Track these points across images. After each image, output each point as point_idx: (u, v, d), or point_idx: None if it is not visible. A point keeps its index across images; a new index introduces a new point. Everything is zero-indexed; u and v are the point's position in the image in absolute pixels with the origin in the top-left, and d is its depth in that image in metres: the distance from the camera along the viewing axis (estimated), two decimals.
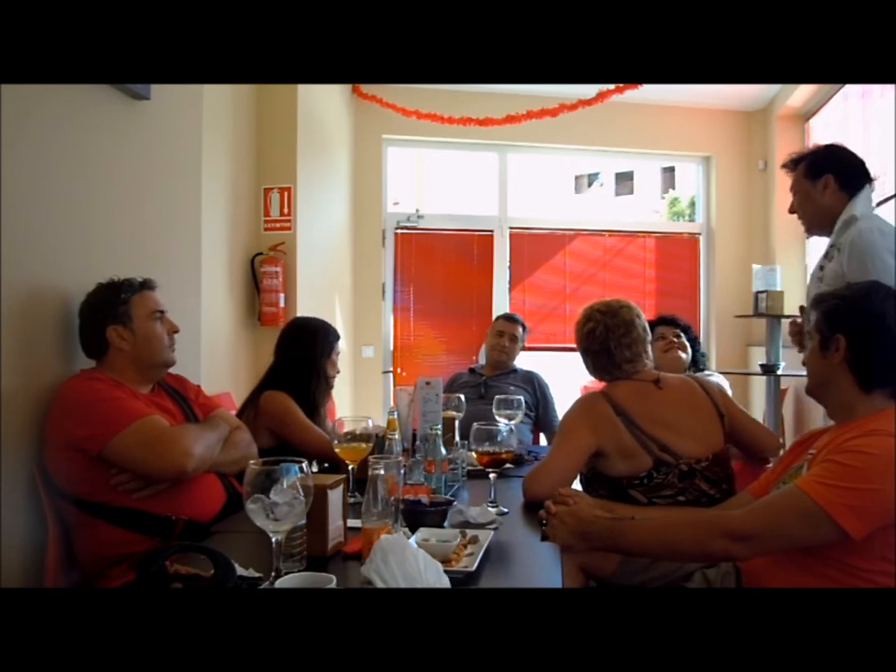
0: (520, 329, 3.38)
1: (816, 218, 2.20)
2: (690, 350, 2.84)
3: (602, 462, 1.86)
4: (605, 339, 1.95)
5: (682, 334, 2.86)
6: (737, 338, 5.17)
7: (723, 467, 1.89)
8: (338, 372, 2.56)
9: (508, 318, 3.49)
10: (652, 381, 1.94)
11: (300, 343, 2.47)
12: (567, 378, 4.41)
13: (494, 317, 3.81)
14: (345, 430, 1.82)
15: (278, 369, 2.47)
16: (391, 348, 5.30)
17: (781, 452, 2.04)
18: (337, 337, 2.57)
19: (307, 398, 2.39)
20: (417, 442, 2.00)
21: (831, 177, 2.13)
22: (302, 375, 2.42)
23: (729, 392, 2.63)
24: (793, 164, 2.24)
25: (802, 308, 2.16)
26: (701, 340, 3.22)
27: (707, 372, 2.87)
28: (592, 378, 2.11)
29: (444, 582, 1.17)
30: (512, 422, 2.15)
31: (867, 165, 2.17)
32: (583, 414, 1.90)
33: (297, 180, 3.88)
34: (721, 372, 3.06)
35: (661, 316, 2.97)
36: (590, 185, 21.31)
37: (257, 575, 1.25)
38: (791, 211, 2.28)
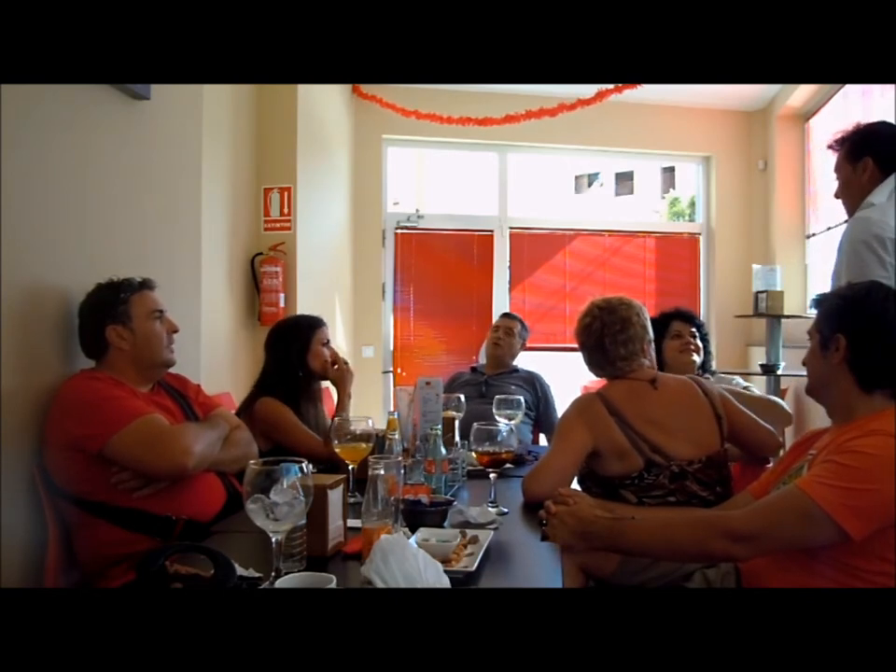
0: (518, 326, 3.41)
1: (857, 206, 2.00)
2: (702, 352, 2.75)
3: (597, 461, 1.87)
4: (600, 335, 1.95)
5: (697, 333, 2.75)
6: (737, 338, 5.17)
7: (718, 469, 1.88)
8: (329, 362, 2.46)
9: (505, 315, 3.61)
10: (648, 380, 1.94)
11: (277, 346, 2.48)
12: (567, 378, 4.40)
13: (493, 317, 3.84)
14: (345, 430, 1.82)
15: (265, 375, 2.48)
16: (391, 348, 5.30)
17: (781, 451, 2.04)
18: (314, 326, 2.50)
19: (296, 399, 2.39)
20: (418, 442, 2.00)
21: (870, 160, 1.98)
22: (287, 378, 2.42)
23: (755, 391, 2.64)
24: (838, 144, 2.08)
25: None
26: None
27: (731, 378, 2.81)
28: (592, 378, 2.11)
29: (444, 582, 1.17)
30: (512, 422, 2.15)
31: None
32: (580, 415, 1.90)
33: (297, 180, 3.88)
34: (723, 373, 3.05)
35: (678, 310, 2.82)
36: (590, 185, 21.30)
37: (257, 575, 1.25)
38: (837, 196, 2.12)
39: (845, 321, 1.44)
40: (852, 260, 1.85)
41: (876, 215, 1.88)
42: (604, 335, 1.95)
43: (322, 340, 2.50)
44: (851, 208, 2.06)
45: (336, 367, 2.46)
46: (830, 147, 2.12)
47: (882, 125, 2.09)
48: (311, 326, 2.51)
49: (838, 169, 2.10)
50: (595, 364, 2.01)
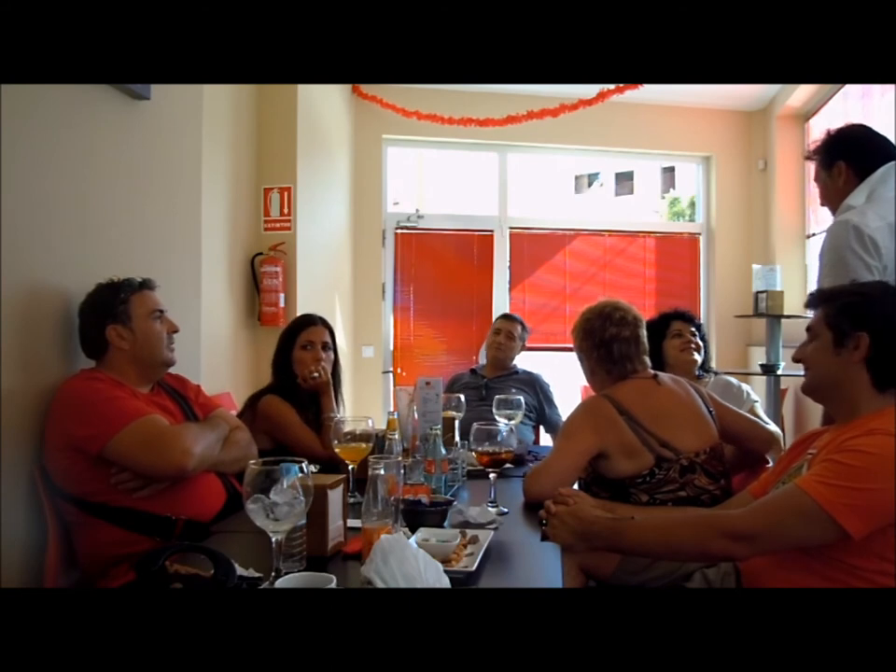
0: (518, 328, 3.39)
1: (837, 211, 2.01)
2: (702, 351, 2.74)
3: (604, 464, 1.87)
4: (635, 326, 1.99)
5: (696, 333, 2.75)
6: (737, 338, 5.17)
7: (720, 460, 1.93)
8: (313, 372, 2.32)
9: (506, 317, 3.57)
10: (652, 377, 1.99)
11: (277, 345, 2.48)
12: (567, 378, 4.40)
13: (494, 317, 3.83)
14: (345, 430, 1.81)
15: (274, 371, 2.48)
16: (391, 348, 5.30)
17: (781, 447, 2.05)
18: (297, 329, 2.42)
19: (298, 398, 2.37)
20: (417, 442, 2.00)
21: (843, 164, 2.00)
22: (280, 376, 2.42)
23: (755, 397, 2.67)
24: (814, 153, 2.09)
25: None
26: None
27: (732, 379, 2.82)
28: None
29: (444, 582, 1.17)
30: (512, 422, 2.15)
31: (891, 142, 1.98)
32: (587, 417, 1.91)
33: (297, 180, 3.88)
34: (725, 372, 3.05)
35: (678, 311, 2.80)
36: (590, 185, 21.29)
37: (257, 575, 1.25)
38: (822, 204, 2.12)
39: (867, 319, 1.41)
40: (836, 265, 1.85)
41: (856, 217, 1.87)
42: (638, 327, 1.99)
43: (302, 343, 2.39)
44: (834, 213, 2.06)
45: (312, 377, 2.33)
46: (807, 157, 2.13)
47: (853, 128, 2.09)
48: (294, 328, 2.45)
49: (817, 178, 2.11)
50: (622, 357, 1.97)
